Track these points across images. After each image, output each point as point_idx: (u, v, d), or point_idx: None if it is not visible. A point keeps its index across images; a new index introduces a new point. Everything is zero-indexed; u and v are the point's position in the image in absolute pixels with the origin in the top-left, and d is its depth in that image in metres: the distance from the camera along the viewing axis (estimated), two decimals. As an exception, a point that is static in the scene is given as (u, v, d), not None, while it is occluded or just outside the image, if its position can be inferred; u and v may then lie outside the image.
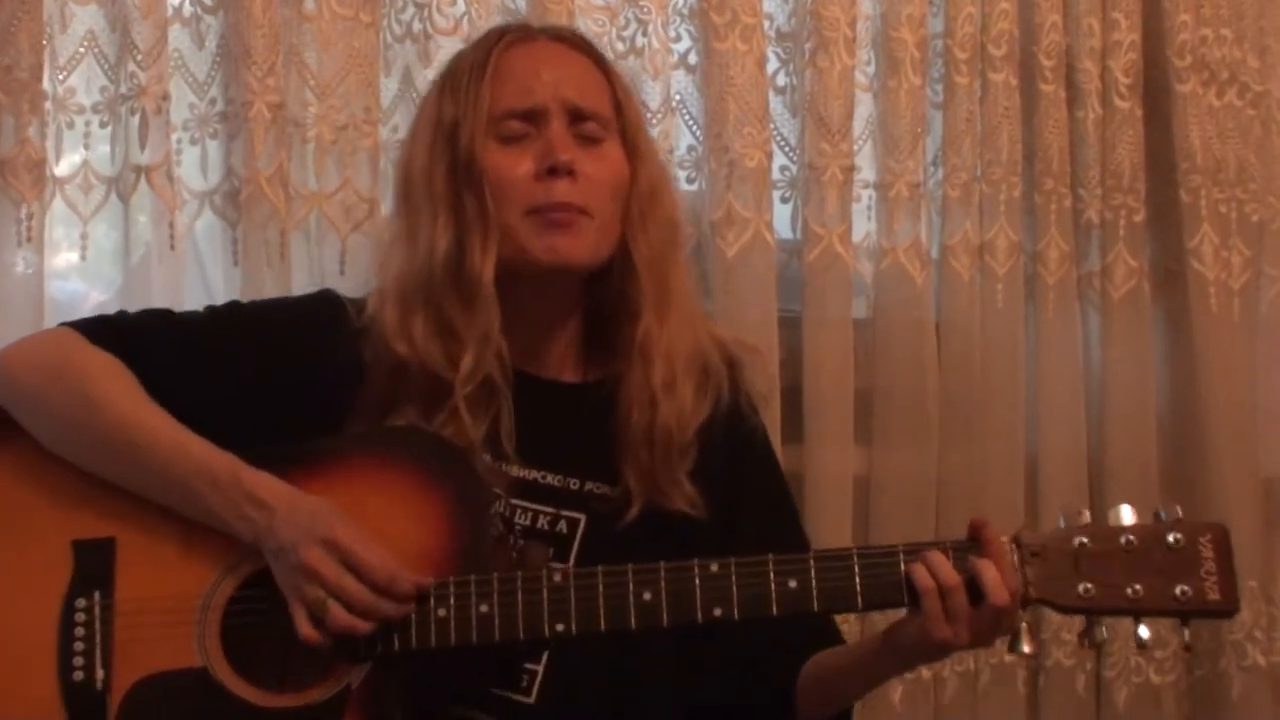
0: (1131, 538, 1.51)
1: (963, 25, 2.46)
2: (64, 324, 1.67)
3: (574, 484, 1.65)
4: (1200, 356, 2.56)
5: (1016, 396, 2.49)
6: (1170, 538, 1.51)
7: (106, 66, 2.08)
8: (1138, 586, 1.50)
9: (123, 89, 2.07)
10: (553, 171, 1.61)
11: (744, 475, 1.72)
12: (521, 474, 1.64)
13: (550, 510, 1.64)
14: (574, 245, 1.62)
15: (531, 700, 1.61)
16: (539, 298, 1.66)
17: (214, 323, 1.69)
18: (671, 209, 1.71)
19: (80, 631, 1.55)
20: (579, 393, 1.69)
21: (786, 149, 2.41)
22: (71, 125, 2.08)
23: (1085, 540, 1.51)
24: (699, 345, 1.69)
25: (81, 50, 2.07)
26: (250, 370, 1.63)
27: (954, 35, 2.46)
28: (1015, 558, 1.51)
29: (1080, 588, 1.51)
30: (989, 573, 1.49)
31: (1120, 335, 2.55)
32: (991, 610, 1.49)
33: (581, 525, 1.64)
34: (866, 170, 2.45)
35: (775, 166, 2.38)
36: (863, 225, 2.45)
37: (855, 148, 2.41)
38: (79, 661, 1.54)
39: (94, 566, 1.56)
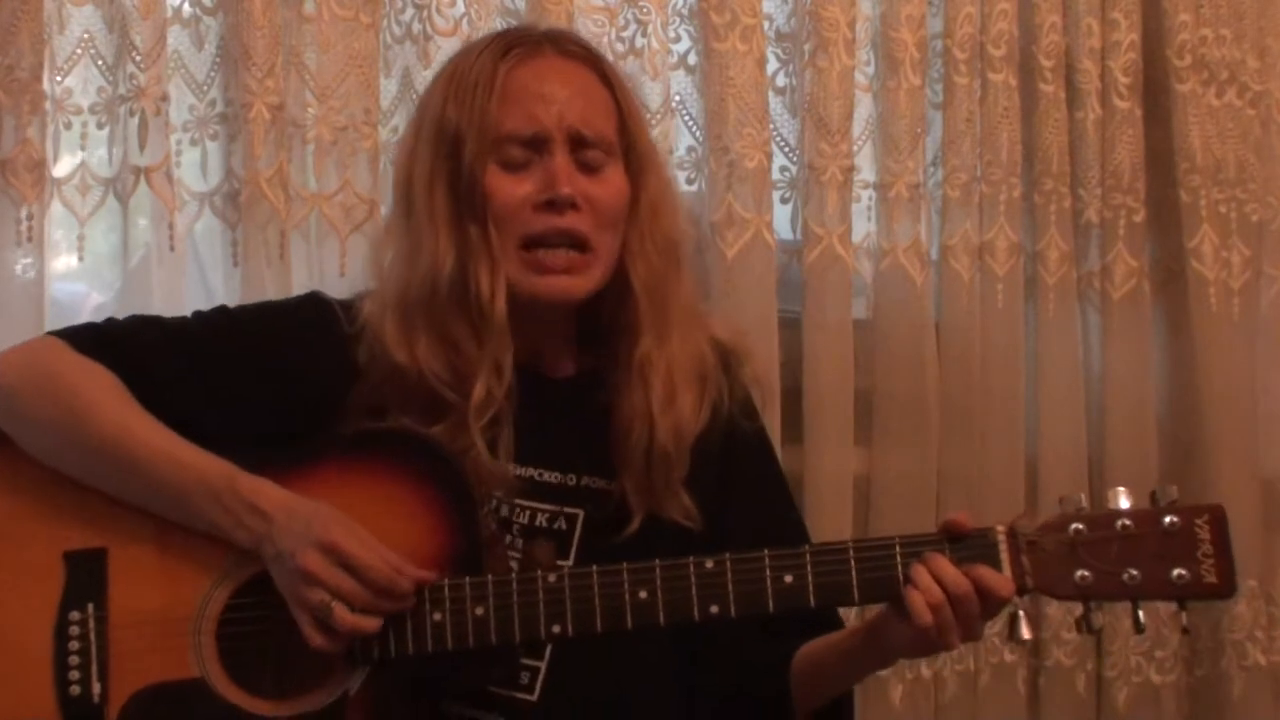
0: (1128, 522, 1.51)
1: (962, 25, 2.46)
2: (50, 333, 1.66)
3: (571, 479, 1.65)
4: (1200, 356, 2.56)
5: (1016, 396, 2.50)
6: (1166, 520, 1.51)
7: (104, 67, 2.07)
8: (1134, 572, 1.50)
9: (121, 90, 2.06)
10: (552, 204, 1.60)
11: (738, 474, 1.71)
12: (519, 472, 1.63)
13: (549, 507, 1.64)
14: (573, 284, 1.62)
15: (534, 698, 1.61)
16: (533, 308, 1.64)
17: (203, 328, 1.68)
18: (672, 224, 1.69)
19: (75, 645, 1.54)
20: (572, 386, 1.68)
21: (786, 149, 2.41)
22: (69, 126, 2.07)
23: (1081, 527, 1.51)
24: (698, 356, 1.68)
25: (78, 51, 2.07)
26: (241, 375, 1.62)
27: (953, 35, 2.46)
28: (1009, 548, 1.51)
29: (1077, 575, 1.51)
30: (991, 575, 1.50)
31: (1120, 335, 2.55)
32: (992, 606, 1.50)
33: (580, 520, 1.64)
34: (866, 171, 2.45)
35: (775, 167, 2.38)
36: (862, 226, 2.45)
37: (855, 148, 2.41)
38: (75, 675, 1.54)
39: (86, 578, 1.56)
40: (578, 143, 1.62)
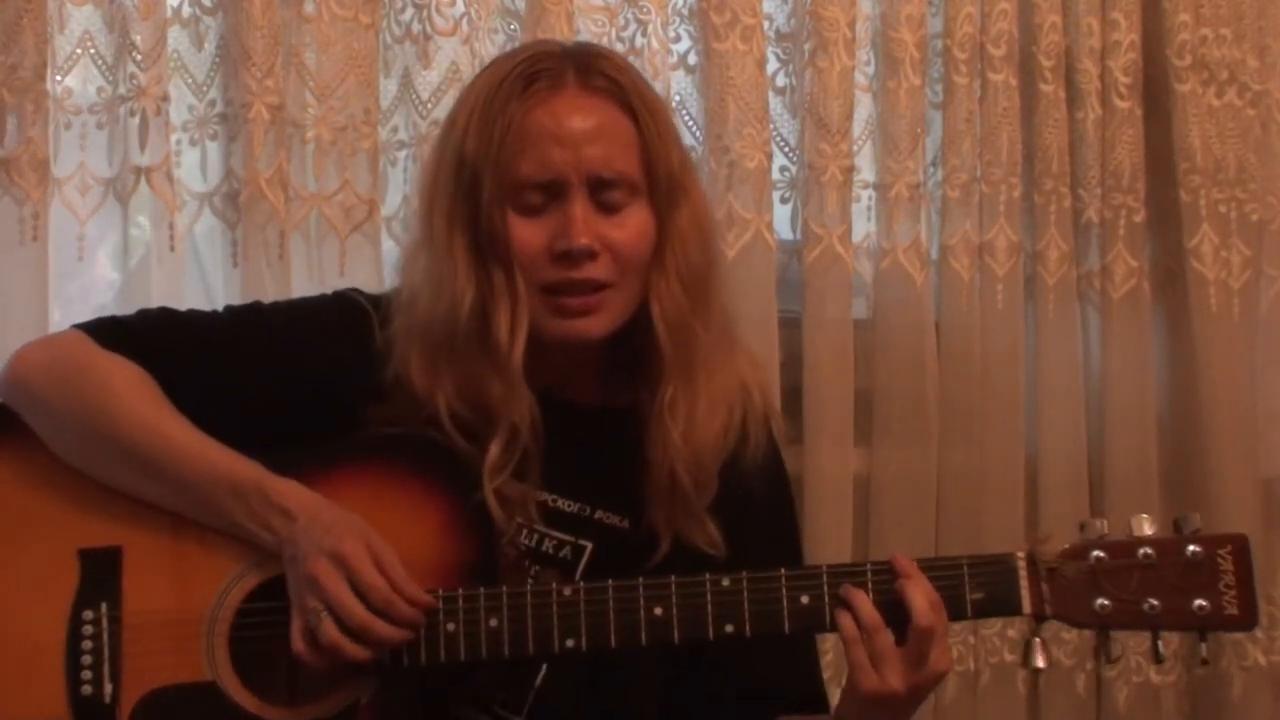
0: (1149, 551, 1.49)
1: (962, 25, 2.46)
2: (75, 326, 1.64)
3: (586, 511, 1.62)
4: (1200, 356, 2.56)
5: (1016, 396, 2.50)
6: (1189, 550, 1.49)
7: (104, 67, 2.07)
8: (1155, 602, 1.49)
9: (121, 90, 2.06)
10: (568, 255, 1.55)
11: (756, 512, 1.68)
12: (536, 496, 1.60)
13: (558, 535, 1.61)
14: (592, 326, 1.58)
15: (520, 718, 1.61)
16: (557, 348, 1.60)
17: (233, 325, 1.66)
18: (701, 255, 1.62)
19: (88, 644, 1.54)
20: (600, 418, 1.65)
21: (786, 149, 2.41)
22: (69, 126, 2.07)
23: (1102, 554, 1.50)
24: (726, 386, 1.63)
25: (78, 51, 2.07)
26: (267, 377, 1.60)
27: (953, 35, 2.45)
28: (1028, 575, 1.50)
29: (1096, 603, 1.49)
30: (917, 597, 1.47)
31: (1120, 335, 2.55)
32: (918, 634, 1.47)
33: (587, 553, 1.62)
34: (866, 171, 2.45)
35: (775, 167, 2.38)
36: (862, 226, 2.45)
37: (855, 148, 2.41)
38: (87, 675, 1.53)
39: (101, 576, 1.55)
40: (597, 185, 1.56)
